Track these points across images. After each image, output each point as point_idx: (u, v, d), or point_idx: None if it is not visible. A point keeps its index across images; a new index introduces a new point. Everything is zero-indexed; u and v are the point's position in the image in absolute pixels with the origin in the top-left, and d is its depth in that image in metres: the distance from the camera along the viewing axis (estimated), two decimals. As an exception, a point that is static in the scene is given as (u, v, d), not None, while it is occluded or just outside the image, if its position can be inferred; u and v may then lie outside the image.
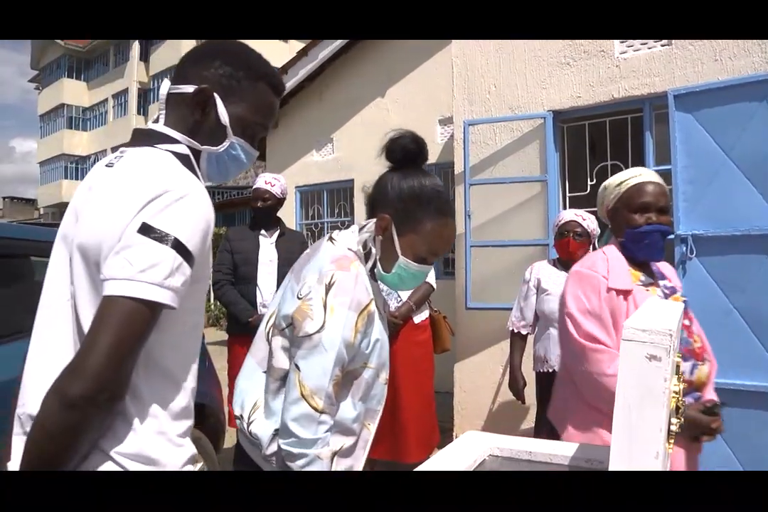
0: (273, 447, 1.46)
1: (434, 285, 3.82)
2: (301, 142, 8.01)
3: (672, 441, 1.02)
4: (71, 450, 0.97)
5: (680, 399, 1.10)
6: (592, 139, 4.65)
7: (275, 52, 24.60)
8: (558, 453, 1.38)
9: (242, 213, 15.60)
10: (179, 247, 1.00)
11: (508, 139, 4.58)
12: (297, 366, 1.42)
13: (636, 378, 0.88)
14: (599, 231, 3.41)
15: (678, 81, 3.86)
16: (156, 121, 1.21)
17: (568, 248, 3.26)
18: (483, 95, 4.74)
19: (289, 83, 7.59)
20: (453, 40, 4.95)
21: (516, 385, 3.45)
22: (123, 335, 0.95)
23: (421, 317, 3.78)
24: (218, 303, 11.64)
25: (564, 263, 3.35)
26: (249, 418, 1.51)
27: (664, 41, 3.99)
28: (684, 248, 3.57)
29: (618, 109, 4.28)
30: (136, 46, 27.92)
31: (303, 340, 1.41)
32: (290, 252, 3.74)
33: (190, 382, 1.14)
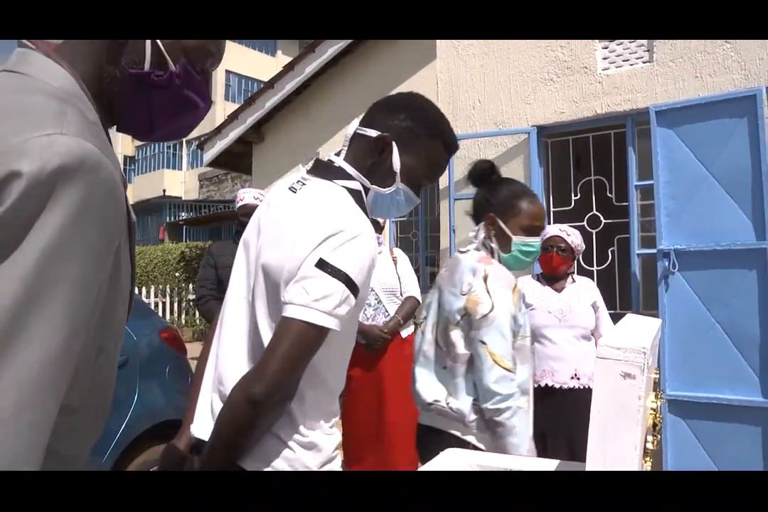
0: (473, 416, 1.86)
1: (420, 300, 3.82)
2: (287, 156, 8.02)
3: (648, 458, 1.01)
4: (248, 438, 1.18)
5: (657, 416, 1.10)
6: (576, 154, 4.69)
7: (262, 65, 24.65)
8: (537, 469, 1.38)
9: (229, 226, 15.53)
10: (348, 281, 1.17)
11: (492, 154, 4.61)
12: (482, 342, 1.82)
13: (610, 396, 0.87)
14: (584, 246, 3.42)
15: (659, 97, 3.91)
16: (338, 154, 1.38)
17: (551, 263, 3.27)
18: (468, 110, 4.77)
19: (276, 98, 7.61)
20: (438, 56, 4.99)
21: (502, 400, 3.44)
22: (296, 350, 1.15)
23: (408, 331, 3.77)
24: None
25: (548, 278, 3.36)
26: (446, 400, 1.91)
27: (646, 58, 4.04)
28: (666, 263, 3.59)
29: (601, 124, 4.33)
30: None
31: (481, 321, 1.83)
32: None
33: (338, 389, 1.35)
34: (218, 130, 8.46)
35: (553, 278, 3.33)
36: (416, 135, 1.36)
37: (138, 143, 27.16)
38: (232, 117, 8.09)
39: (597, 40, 4.23)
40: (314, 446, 1.27)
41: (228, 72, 24.54)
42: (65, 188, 0.61)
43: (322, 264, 1.16)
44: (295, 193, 1.31)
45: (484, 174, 2.13)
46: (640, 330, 1.04)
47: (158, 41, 0.82)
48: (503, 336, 1.83)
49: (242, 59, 24.14)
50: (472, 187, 2.18)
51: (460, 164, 4.67)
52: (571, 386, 3.08)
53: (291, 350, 1.14)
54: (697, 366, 3.42)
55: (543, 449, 3.15)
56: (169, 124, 0.88)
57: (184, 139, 28.01)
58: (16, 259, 0.59)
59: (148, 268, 14.91)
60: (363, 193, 1.33)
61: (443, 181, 4.79)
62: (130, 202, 0.90)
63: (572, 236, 3.30)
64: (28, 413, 0.60)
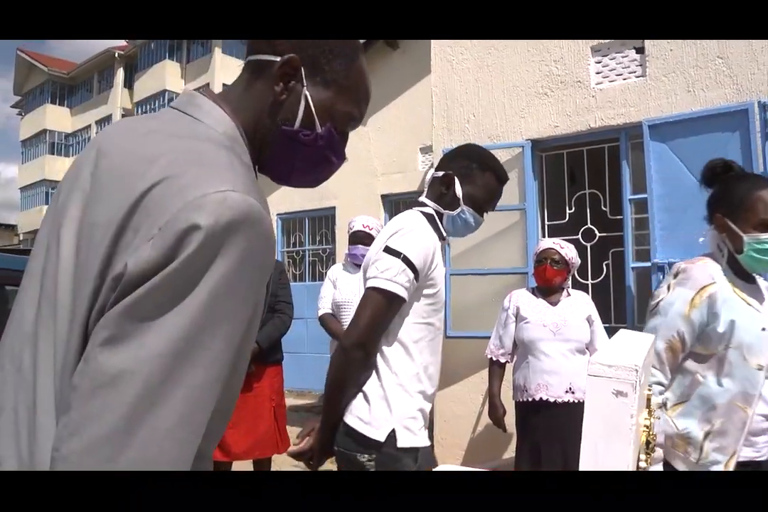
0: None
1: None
2: (283, 169, 8.02)
3: (642, 476, 1.00)
4: (344, 382, 1.68)
5: (651, 433, 1.09)
6: (571, 168, 4.70)
7: (259, 79, 24.84)
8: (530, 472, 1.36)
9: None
10: (405, 259, 1.65)
11: (487, 167, 4.61)
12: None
13: (602, 414, 0.87)
14: (579, 260, 3.42)
15: (652, 111, 3.93)
16: (423, 193, 1.94)
17: (545, 275, 3.27)
18: (462, 124, 4.79)
19: (271, 111, 7.62)
20: (432, 70, 5.01)
21: (495, 413, 3.42)
22: (371, 310, 1.64)
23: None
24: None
25: (542, 291, 3.36)
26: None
27: (639, 72, 4.07)
28: (661, 276, 3.59)
29: (595, 138, 4.34)
30: (120, 73, 27.94)
31: (650, 312, 1.91)
32: (271, 281, 3.72)
33: (421, 359, 1.73)
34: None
35: (547, 291, 3.33)
36: (471, 169, 1.86)
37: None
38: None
39: (590, 55, 4.26)
40: (393, 400, 1.66)
41: (225, 85, 24.65)
42: (233, 239, 0.72)
43: (386, 249, 1.67)
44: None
45: (714, 173, 2.00)
46: (632, 347, 1.04)
47: (311, 105, 0.93)
48: (654, 329, 1.84)
49: (239, 72, 24.25)
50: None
51: (454, 177, 4.67)
52: (566, 400, 3.07)
53: (367, 310, 1.64)
54: (693, 380, 3.41)
55: (537, 463, 3.13)
56: (305, 175, 1.01)
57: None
58: (187, 302, 0.70)
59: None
60: (436, 216, 1.84)
61: (438, 194, 4.80)
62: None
63: (566, 249, 3.30)
64: (187, 428, 0.71)
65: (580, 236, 4.48)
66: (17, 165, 33.92)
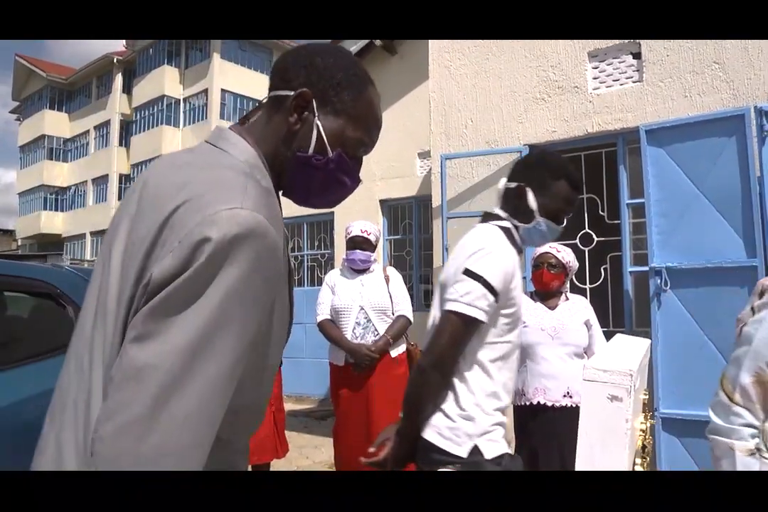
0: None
1: (411, 319, 3.81)
2: (281, 174, 8.02)
3: (638, 480, 1.01)
4: (421, 401, 1.68)
5: (647, 437, 1.10)
6: (568, 173, 4.70)
7: (256, 84, 24.79)
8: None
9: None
10: (485, 283, 1.64)
11: (485, 172, 4.63)
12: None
13: (598, 418, 0.87)
14: (577, 264, 3.42)
15: (649, 116, 3.94)
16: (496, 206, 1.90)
17: (542, 279, 3.27)
18: (460, 129, 4.80)
19: (270, 116, 7.63)
20: (430, 76, 5.03)
21: (494, 418, 3.41)
22: (449, 332, 1.64)
23: (398, 351, 3.75)
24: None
25: (540, 295, 3.36)
26: None
27: (636, 77, 4.09)
28: (658, 280, 3.60)
29: (592, 143, 4.36)
30: (118, 78, 27.93)
31: (737, 340, 1.69)
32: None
33: (500, 377, 1.72)
34: (212, 149, 8.46)
35: (545, 295, 3.33)
36: (544, 178, 1.82)
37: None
38: (227, 135, 8.11)
39: (587, 60, 4.28)
40: (471, 418, 1.66)
41: (223, 91, 24.65)
42: (239, 251, 0.82)
43: (466, 272, 1.67)
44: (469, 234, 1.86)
45: None
46: (627, 352, 1.05)
47: (323, 133, 1.03)
48: (738, 359, 1.61)
49: (237, 78, 24.28)
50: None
51: (452, 183, 4.69)
52: (564, 404, 3.07)
53: (446, 333, 1.65)
54: (691, 384, 3.42)
55: (535, 467, 3.13)
56: (322, 196, 1.11)
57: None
58: (201, 304, 0.80)
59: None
60: (513, 228, 1.82)
61: (436, 199, 4.81)
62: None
63: (563, 253, 3.30)
64: (202, 418, 0.80)
65: (577, 240, 4.49)
66: (16, 170, 33.88)
